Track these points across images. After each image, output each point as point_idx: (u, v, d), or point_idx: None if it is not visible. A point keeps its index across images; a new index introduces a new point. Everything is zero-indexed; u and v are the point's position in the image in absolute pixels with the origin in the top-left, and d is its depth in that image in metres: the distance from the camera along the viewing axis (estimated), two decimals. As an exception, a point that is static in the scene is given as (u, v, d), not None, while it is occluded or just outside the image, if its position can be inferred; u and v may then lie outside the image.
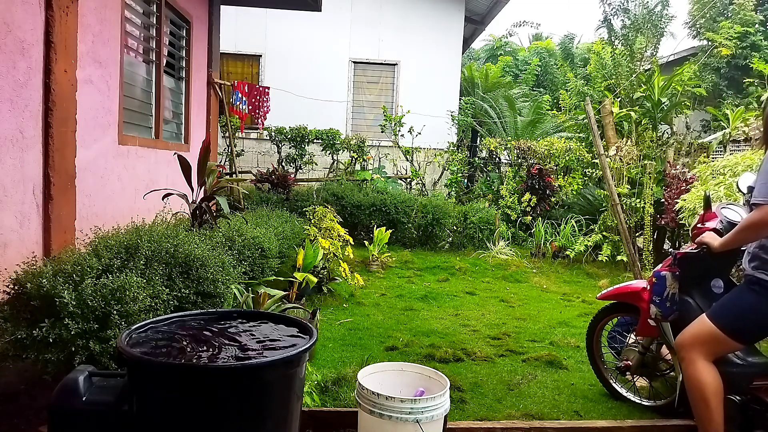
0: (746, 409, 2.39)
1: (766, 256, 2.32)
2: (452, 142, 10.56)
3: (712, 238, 2.55)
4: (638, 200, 7.27)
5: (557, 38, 19.01)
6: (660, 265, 2.95)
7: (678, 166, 7.06)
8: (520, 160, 9.51)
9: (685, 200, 5.50)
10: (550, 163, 9.23)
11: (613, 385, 3.36)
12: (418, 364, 2.76)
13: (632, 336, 3.25)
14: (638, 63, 10.07)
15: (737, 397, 2.42)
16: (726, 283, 2.79)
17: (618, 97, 9.05)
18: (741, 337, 2.37)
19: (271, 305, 3.72)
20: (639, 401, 3.23)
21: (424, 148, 10.27)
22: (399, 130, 9.94)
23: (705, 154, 7.58)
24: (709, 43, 11.99)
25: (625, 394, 3.29)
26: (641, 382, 3.31)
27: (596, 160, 7.73)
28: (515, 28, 21.41)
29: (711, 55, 12.01)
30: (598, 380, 3.52)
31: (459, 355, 3.96)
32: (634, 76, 9.17)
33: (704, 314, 2.47)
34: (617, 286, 3.29)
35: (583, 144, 9.51)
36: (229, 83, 8.36)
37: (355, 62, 11.84)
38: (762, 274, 2.31)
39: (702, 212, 2.88)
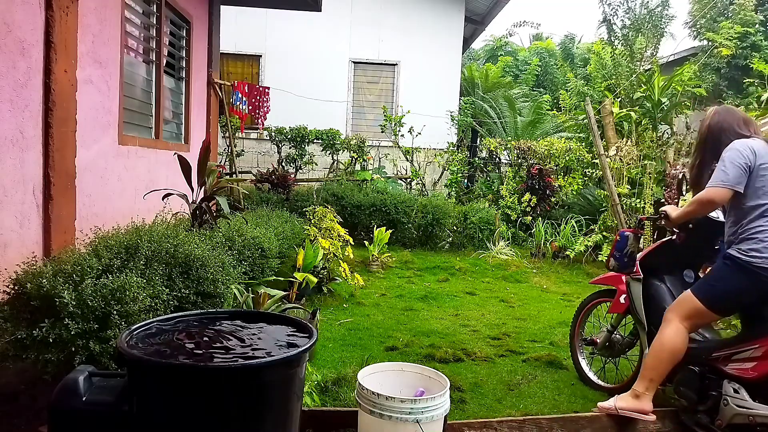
0: (703, 377, 2.72)
1: (733, 237, 2.65)
2: (452, 143, 10.56)
3: (671, 209, 3.00)
4: (638, 200, 7.27)
5: (557, 38, 19.04)
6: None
7: (678, 166, 7.06)
8: (520, 160, 9.51)
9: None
10: (550, 163, 9.23)
11: (582, 366, 3.62)
12: (418, 365, 2.76)
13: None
14: (638, 63, 10.07)
15: (696, 368, 2.76)
16: (696, 274, 3.13)
17: (618, 97, 9.05)
18: (717, 308, 2.67)
19: (271, 305, 3.72)
20: (599, 382, 3.51)
21: (424, 148, 10.27)
22: (399, 130, 9.94)
23: (705, 154, 7.57)
24: (710, 43, 11.99)
25: (588, 374, 3.57)
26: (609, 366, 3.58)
27: (596, 160, 7.73)
28: (515, 28, 21.46)
29: (711, 55, 12.01)
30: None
31: (459, 355, 3.96)
32: (634, 76, 9.17)
33: (689, 290, 2.76)
34: (608, 273, 3.49)
35: (583, 144, 9.51)
36: (229, 83, 8.36)
37: (355, 62, 11.84)
38: (732, 251, 2.62)
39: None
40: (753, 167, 2.56)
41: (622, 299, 3.30)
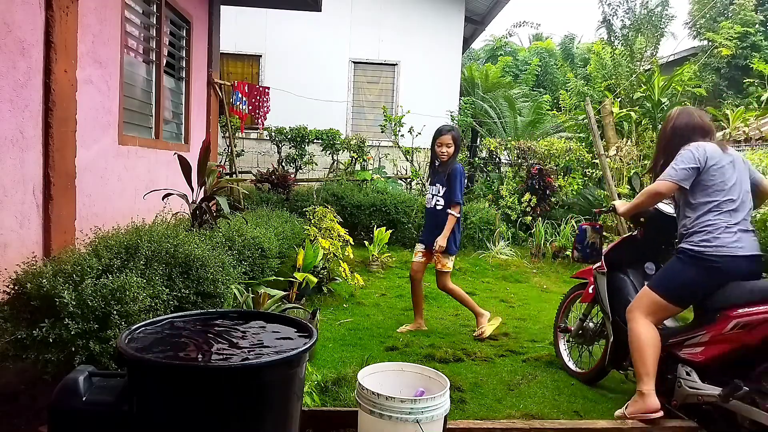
0: (663, 361, 2.93)
1: (685, 231, 2.87)
2: (452, 143, 10.55)
3: (619, 204, 3.30)
4: (638, 200, 7.26)
5: (557, 38, 19.07)
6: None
7: (678, 166, 7.06)
8: (520, 160, 9.50)
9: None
10: (550, 163, 9.22)
11: (562, 354, 3.86)
12: (418, 365, 2.76)
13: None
14: (638, 63, 10.08)
15: None
16: (657, 266, 3.31)
17: (618, 97, 9.05)
18: (674, 300, 2.86)
19: (271, 305, 3.72)
20: (574, 368, 3.73)
21: (424, 148, 10.23)
22: (399, 130, 9.94)
23: (705, 154, 7.57)
24: (710, 43, 11.99)
25: (566, 361, 3.81)
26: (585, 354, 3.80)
27: (596, 160, 7.73)
28: (515, 28, 21.49)
29: (711, 55, 12.01)
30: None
31: (459, 355, 3.96)
32: (634, 76, 9.17)
33: (646, 285, 2.97)
34: (585, 267, 3.74)
35: (583, 144, 9.51)
36: (229, 83, 8.36)
37: (355, 62, 11.84)
38: (685, 244, 2.84)
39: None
40: (703, 168, 2.80)
41: (590, 290, 3.56)
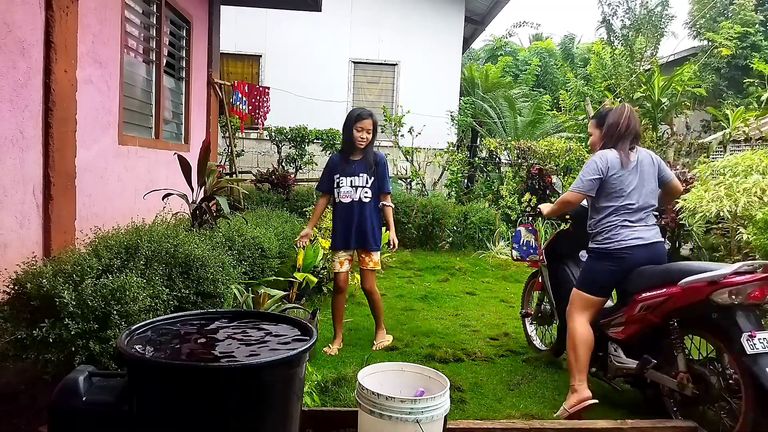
0: (597, 340, 3.24)
1: (593, 231, 3.27)
2: (452, 143, 10.56)
3: (544, 206, 3.77)
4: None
5: (557, 38, 19.07)
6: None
7: (678, 166, 7.06)
8: (520, 160, 9.50)
9: (685, 200, 5.49)
10: (550, 163, 9.22)
11: (528, 333, 4.27)
12: (418, 364, 2.76)
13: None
14: (638, 63, 10.08)
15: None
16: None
17: (618, 97, 9.05)
18: (597, 293, 3.21)
19: (271, 305, 3.72)
20: (539, 346, 4.14)
21: (424, 149, 10.26)
22: (399, 131, 9.94)
23: (705, 154, 7.58)
24: (710, 43, 11.99)
25: (533, 339, 4.23)
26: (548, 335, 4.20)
27: (596, 160, 7.72)
28: (515, 28, 21.53)
29: (711, 55, 12.01)
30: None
31: (459, 355, 3.96)
32: (634, 76, 9.18)
33: (573, 287, 3.35)
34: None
35: (583, 144, 9.51)
36: (229, 83, 8.36)
37: (355, 62, 11.84)
38: (593, 245, 3.26)
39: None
40: (605, 177, 3.14)
41: (540, 279, 4.04)
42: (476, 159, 10.68)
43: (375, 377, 2.57)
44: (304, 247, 4.49)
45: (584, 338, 3.17)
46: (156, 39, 5.45)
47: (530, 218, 4.71)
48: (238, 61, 11.59)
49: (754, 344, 2.62)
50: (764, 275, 2.72)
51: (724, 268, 2.77)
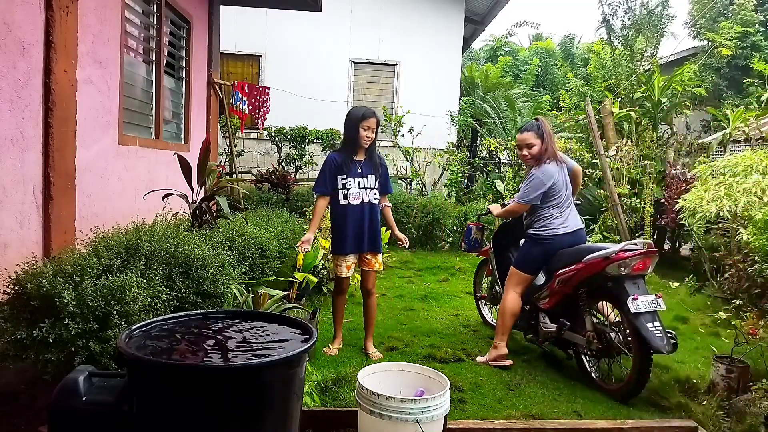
0: (530, 312, 4.01)
1: (528, 222, 3.94)
2: (452, 143, 10.56)
3: (494, 208, 4.36)
4: (638, 200, 7.27)
5: (557, 38, 19.03)
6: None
7: (678, 167, 7.06)
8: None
9: (685, 200, 5.50)
10: (550, 163, 9.20)
11: (483, 313, 4.87)
12: (418, 364, 2.76)
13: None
14: (638, 63, 10.07)
15: (526, 307, 3.99)
16: None
17: (618, 97, 9.05)
18: (528, 271, 3.91)
19: (271, 305, 3.72)
20: (492, 322, 4.66)
21: (424, 148, 10.26)
22: (399, 130, 9.94)
23: (705, 155, 7.57)
24: (709, 43, 11.99)
25: (487, 317, 4.82)
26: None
27: (596, 160, 7.72)
28: (515, 28, 21.48)
29: (711, 55, 12.01)
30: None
31: (459, 355, 3.96)
32: (634, 76, 9.18)
33: (511, 266, 4.02)
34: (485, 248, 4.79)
35: (583, 144, 9.49)
36: (229, 83, 8.36)
37: (355, 62, 11.84)
38: (530, 231, 3.89)
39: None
40: (547, 188, 3.77)
41: (490, 266, 4.64)
42: (476, 159, 10.68)
43: (375, 377, 2.57)
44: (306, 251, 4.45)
45: (512, 308, 3.89)
46: (156, 39, 5.45)
47: (479, 217, 5.33)
48: (238, 61, 11.59)
49: (637, 305, 3.27)
50: (645, 250, 3.45)
51: (615, 246, 3.48)
